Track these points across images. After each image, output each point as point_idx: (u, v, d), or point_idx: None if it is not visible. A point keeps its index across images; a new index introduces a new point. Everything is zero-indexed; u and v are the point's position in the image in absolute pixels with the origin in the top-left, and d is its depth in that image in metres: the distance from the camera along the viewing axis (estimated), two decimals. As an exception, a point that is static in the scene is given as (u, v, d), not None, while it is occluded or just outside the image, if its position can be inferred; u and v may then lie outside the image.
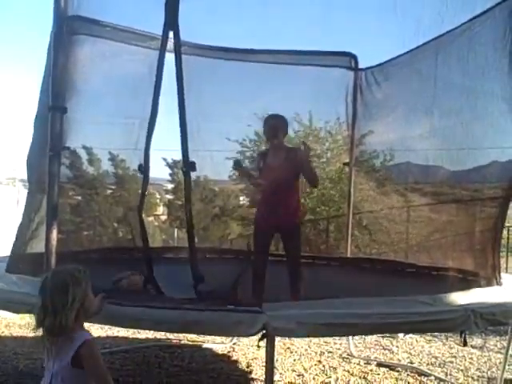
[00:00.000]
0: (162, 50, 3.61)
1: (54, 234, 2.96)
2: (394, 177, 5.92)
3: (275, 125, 4.27)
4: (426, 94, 4.61)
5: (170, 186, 12.03)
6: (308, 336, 3.85)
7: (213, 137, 5.56)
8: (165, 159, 10.36)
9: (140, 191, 3.66)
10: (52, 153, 2.98)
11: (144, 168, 3.75)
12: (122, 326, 4.52)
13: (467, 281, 3.74)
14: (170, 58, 3.78)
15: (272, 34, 4.92)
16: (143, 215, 3.87)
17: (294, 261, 4.21)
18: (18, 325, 6.25)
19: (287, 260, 4.22)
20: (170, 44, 3.74)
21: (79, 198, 6.55)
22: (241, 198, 9.44)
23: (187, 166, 3.14)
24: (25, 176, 4.30)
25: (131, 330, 5.87)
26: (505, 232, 8.92)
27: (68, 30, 3.36)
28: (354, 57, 5.62)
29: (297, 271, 4.14)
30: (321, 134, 11.17)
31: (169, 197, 12.16)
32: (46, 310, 2.31)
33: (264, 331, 2.66)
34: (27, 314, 6.12)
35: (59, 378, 2.33)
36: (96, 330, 6.10)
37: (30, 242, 3.85)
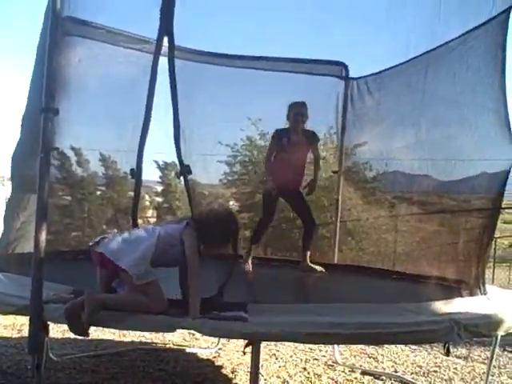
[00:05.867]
0: (156, 55, 3.62)
1: (43, 234, 2.94)
2: (382, 186, 5.95)
3: (303, 110, 5.13)
4: (417, 105, 4.66)
5: (159, 189, 11.96)
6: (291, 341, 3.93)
7: (205, 141, 5.58)
8: (156, 162, 10.35)
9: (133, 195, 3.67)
10: (43, 154, 2.96)
11: (137, 172, 3.77)
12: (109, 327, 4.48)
13: (452, 290, 3.75)
14: (163, 61, 3.80)
15: (264, 40, 4.94)
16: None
17: (309, 221, 5.32)
18: (3, 325, 6.20)
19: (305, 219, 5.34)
20: (164, 48, 3.76)
21: (69, 198, 6.52)
22: (231, 203, 9.42)
23: (183, 169, 3.31)
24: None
25: (117, 333, 5.84)
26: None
27: (61, 31, 3.36)
28: (344, 66, 5.66)
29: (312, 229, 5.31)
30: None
31: (158, 199, 12.09)
32: None
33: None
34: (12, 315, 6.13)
35: None
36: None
37: (14, 241, 3.84)
